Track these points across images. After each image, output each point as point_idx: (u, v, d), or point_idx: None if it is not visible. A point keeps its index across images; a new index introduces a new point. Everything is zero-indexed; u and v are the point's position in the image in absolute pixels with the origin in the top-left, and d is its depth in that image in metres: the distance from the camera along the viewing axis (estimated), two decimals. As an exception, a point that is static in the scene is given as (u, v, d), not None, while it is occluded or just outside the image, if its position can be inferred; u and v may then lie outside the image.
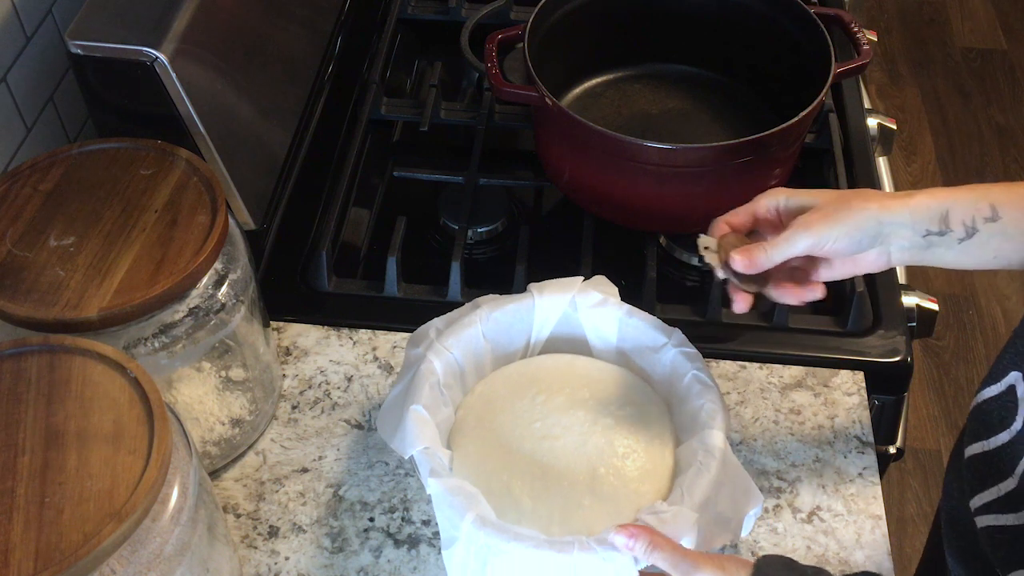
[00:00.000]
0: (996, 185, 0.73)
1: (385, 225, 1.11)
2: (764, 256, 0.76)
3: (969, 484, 0.73)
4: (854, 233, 0.74)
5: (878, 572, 0.69)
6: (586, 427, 0.83)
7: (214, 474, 0.90)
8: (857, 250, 0.75)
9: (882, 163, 1.27)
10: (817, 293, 0.78)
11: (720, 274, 0.78)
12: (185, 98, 0.92)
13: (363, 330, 1.01)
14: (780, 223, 0.79)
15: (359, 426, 0.94)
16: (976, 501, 0.72)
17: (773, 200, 0.79)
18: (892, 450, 1.03)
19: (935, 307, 1.06)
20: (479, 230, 1.13)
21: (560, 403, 0.84)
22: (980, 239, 0.72)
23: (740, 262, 0.76)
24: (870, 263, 0.76)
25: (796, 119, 0.98)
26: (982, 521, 0.71)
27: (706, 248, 0.80)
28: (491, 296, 0.89)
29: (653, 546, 0.68)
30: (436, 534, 0.85)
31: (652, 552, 0.68)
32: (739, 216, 0.80)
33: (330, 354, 0.99)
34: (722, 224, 0.80)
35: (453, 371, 0.85)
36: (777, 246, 0.75)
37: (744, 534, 0.79)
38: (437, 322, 0.87)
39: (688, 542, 0.72)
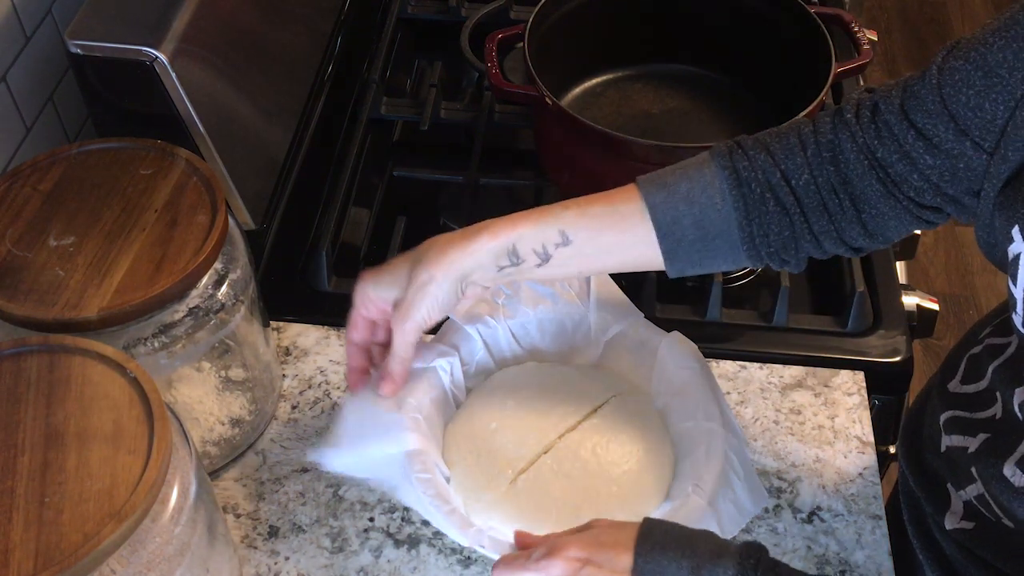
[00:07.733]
0: (569, 208, 0.75)
1: (385, 225, 1.11)
2: (399, 368, 0.78)
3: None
4: (450, 298, 0.76)
5: (762, 544, 0.69)
6: (585, 430, 0.83)
7: (214, 474, 0.90)
8: (455, 303, 0.77)
9: (882, 163, 1.27)
10: None
11: None
12: (185, 98, 0.92)
13: (363, 330, 1.01)
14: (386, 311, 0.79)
15: (359, 426, 0.94)
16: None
17: (364, 297, 0.79)
18: (892, 450, 1.03)
19: (935, 307, 1.06)
20: (479, 230, 1.13)
21: (558, 408, 0.84)
22: (558, 261, 0.75)
23: (386, 388, 0.79)
24: (461, 304, 0.78)
25: (796, 119, 0.98)
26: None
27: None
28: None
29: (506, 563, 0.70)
30: (436, 534, 0.85)
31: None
32: (358, 331, 0.80)
33: (330, 354, 0.99)
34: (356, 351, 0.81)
35: (453, 371, 0.85)
36: (396, 353, 0.77)
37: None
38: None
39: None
